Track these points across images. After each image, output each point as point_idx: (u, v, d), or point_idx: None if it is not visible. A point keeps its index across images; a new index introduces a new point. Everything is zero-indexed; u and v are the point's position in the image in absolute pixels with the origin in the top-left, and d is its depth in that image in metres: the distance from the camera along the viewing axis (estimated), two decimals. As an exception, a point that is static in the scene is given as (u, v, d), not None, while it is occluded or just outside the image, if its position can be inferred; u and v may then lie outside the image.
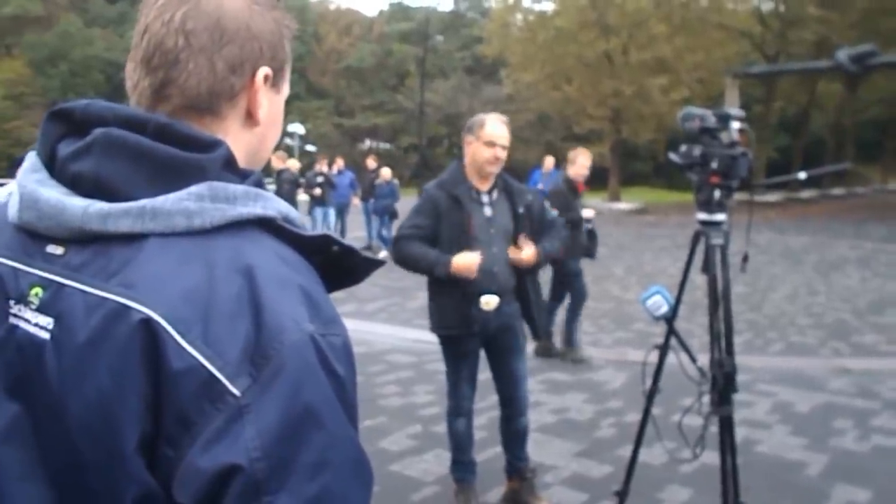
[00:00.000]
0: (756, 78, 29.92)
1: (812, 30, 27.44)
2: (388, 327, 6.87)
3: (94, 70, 38.23)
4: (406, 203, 12.31)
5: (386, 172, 13.14)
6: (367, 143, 42.40)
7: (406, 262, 3.10)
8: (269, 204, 0.73)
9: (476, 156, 3.09)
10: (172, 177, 0.70)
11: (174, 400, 0.62)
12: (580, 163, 5.95)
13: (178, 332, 0.63)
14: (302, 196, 12.56)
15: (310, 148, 28.40)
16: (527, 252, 3.09)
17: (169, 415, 0.62)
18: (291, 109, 31.75)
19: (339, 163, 13.86)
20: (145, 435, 0.63)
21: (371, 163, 13.86)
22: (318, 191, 12.49)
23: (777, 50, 29.87)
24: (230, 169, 0.74)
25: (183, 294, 0.64)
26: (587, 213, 5.95)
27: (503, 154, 3.08)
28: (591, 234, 6.09)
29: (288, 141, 27.54)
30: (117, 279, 0.66)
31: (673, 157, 2.30)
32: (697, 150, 2.23)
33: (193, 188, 0.69)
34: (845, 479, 3.59)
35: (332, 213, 12.88)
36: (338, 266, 0.78)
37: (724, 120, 2.23)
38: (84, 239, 0.69)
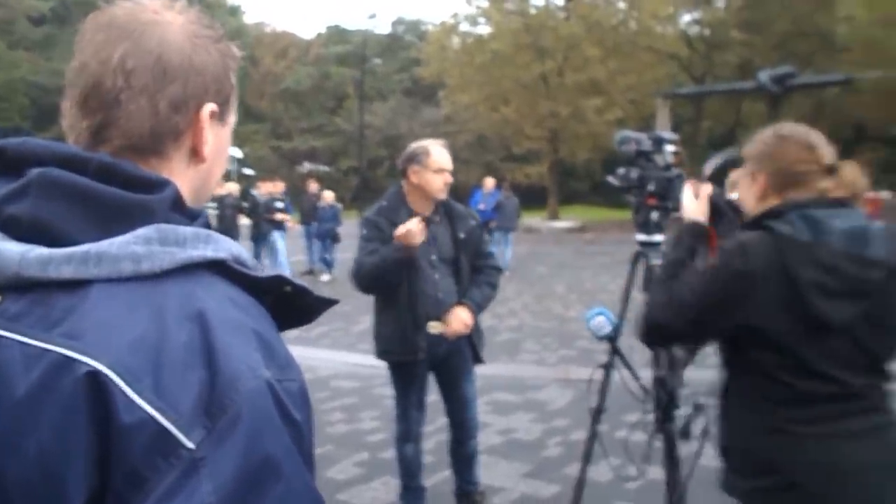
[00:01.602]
0: (685, 98, 31.03)
1: (735, 52, 28.75)
2: (331, 353, 6.79)
3: (20, 94, 36.80)
4: (348, 226, 12.26)
5: (328, 196, 13.05)
6: (306, 166, 42.01)
7: (369, 276, 3.04)
8: (220, 245, 0.70)
9: (428, 185, 3.08)
10: (118, 219, 0.66)
11: (124, 456, 0.59)
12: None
13: (127, 384, 0.59)
14: (244, 220, 12.33)
15: (247, 171, 27.97)
16: (456, 321, 3.02)
17: (118, 471, 0.59)
18: (228, 133, 31.07)
19: (268, 186, 13.51)
20: (93, 494, 0.59)
21: (313, 186, 13.75)
22: (279, 215, 12.26)
23: (704, 72, 31.11)
24: (178, 210, 0.71)
25: (131, 343, 0.61)
26: None
27: (451, 179, 3.13)
28: None
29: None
30: (60, 329, 0.62)
31: (611, 179, 2.36)
32: (634, 173, 2.29)
33: (141, 231, 0.66)
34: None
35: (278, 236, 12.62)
36: (290, 306, 0.76)
37: (659, 143, 2.30)
38: (21, 286, 0.64)
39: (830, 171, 1.64)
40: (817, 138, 1.68)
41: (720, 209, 1.78)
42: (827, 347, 1.57)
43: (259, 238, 12.15)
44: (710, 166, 1.84)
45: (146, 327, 0.62)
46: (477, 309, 3.11)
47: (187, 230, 0.69)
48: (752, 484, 1.67)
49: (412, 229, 2.89)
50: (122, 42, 0.72)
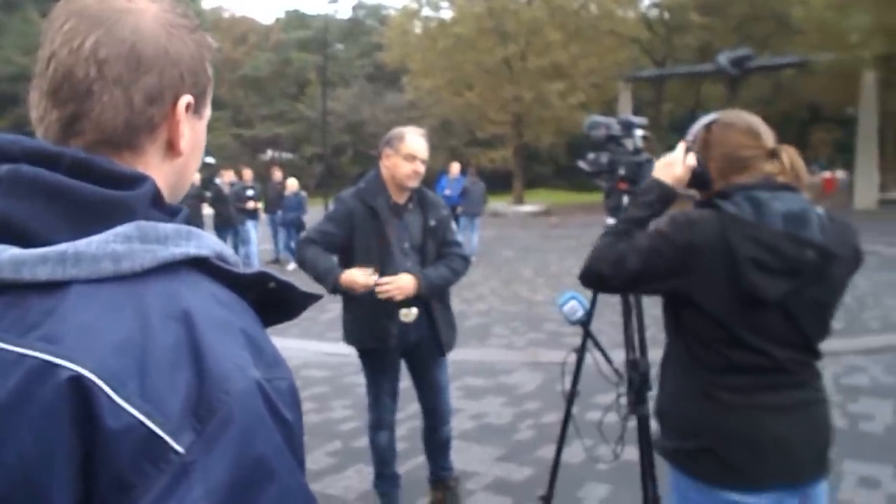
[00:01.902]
0: (646, 81, 31.37)
1: (695, 35, 29.11)
2: (301, 342, 6.73)
3: (-32, 83, 35.67)
4: (314, 214, 12.13)
5: (292, 183, 12.88)
6: (269, 153, 41.52)
7: (304, 265, 3.04)
8: (203, 242, 0.68)
9: (396, 170, 3.04)
10: (95, 217, 0.64)
11: (110, 462, 0.56)
12: None
13: (112, 389, 0.57)
14: (207, 210, 12.12)
15: (209, 160, 27.50)
16: (391, 282, 2.93)
17: (104, 479, 0.56)
18: (187, 120, 30.46)
19: (230, 174, 13.31)
20: (78, 503, 0.57)
21: (277, 174, 13.57)
22: (250, 203, 12.03)
23: (664, 55, 31.45)
24: (158, 206, 0.69)
25: (115, 346, 0.58)
26: None
27: (422, 168, 3.06)
28: None
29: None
30: (37, 333, 0.59)
31: (582, 164, 2.36)
32: (605, 158, 2.30)
33: (120, 229, 0.63)
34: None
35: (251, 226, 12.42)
36: (273, 301, 0.74)
37: (628, 128, 2.31)
38: None
39: (773, 154, 1.72)
40: (759, 124, 1.76)
41: (705, 179, 1.79)
42: (759, 321, 1.65)
43: (223, 227, 11.96)
44: (693, 132, 1.83)
45: (130, 328, 0.60)
46: (426, 283, 2.98)
47: (168, 227, 0.67)
48: (676, 444, 1.76)
49: (358, 282, 2.88)
50: (95, 30, 0.69)
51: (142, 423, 0.57)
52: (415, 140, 3.05)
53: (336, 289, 2.95)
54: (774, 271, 1.61)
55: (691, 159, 1.79)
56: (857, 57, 19.76)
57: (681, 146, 1.84)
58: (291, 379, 0.67)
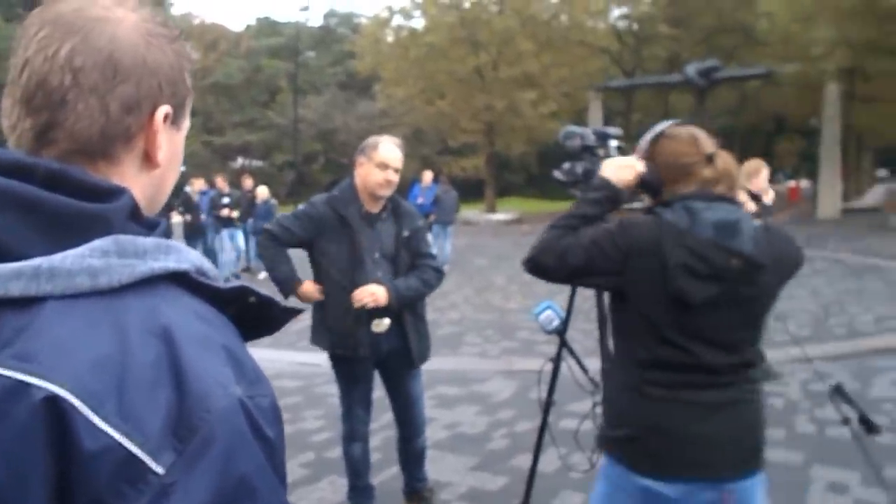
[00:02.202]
0: (616, 91, 31.73)
1: (663, 46, 29.57)
2: (273, 351, 6.65)
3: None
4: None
5: (263, 192, 12.74)
6: (240, 161, 41.14)
7: (263, 258, 3.14)
8: (182, 256, 0.67)
9: (367, 178, 3.02)
10: (71, 231, 0.62)
11: (87, 484, 0.54)
12: (763, 176, 5.60)
13: (90, 408, 0.55)
14: (176, 218, 11.94)
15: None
16: (362, 290, 2.93)
17: (81, 500, 0.55)
18: (156, 127, 30.06)
19: (200, 182, 13.13)
20: None
21: (248, 182, 13.43)
22: (225, 211, 11.86)
23: (634, 65, 31.88)
24: (136, 219, 0.67)
25: (92, 363, 0.57)
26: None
27: (395, 177, 3.04)
28: None
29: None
30: (10, 351, 0.57)
31: (557, 174, 2.36)
32: (580, 168, 2.30)
33: (97, 243, 0.62)
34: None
35: (239, 235, 12.23)
36: (253, 316, 0.73)
37: (603, 138, 2.32)
38: None
39: (710, 159, 1.83)
40: (700, 134, 1.88)
41: (654, 187, 1.89)
42: (687, 323, 1.77)
43: (192, 236, 11.79)
44: (645, 141, 1.94)
45: (107, 345, 0.58)
46: (395, 294, 2.96)
47: (147, 241, 0.65)
48: (607, 433, 1.90)
49: (313, 296, 3.05)
50: (70, 38, 0.67)
51: (120, 444, 0.55)
52: (388, 149, 3.04)
53: (289, 295, 3.07)
54: (701, 276, 1.72)
55: (640, 166, 1.90)
56: (820, 69, 20.22)
57: (634, 156, 1.96)
58: (273, 395, 0.66)
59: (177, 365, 0.59)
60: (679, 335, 1.77)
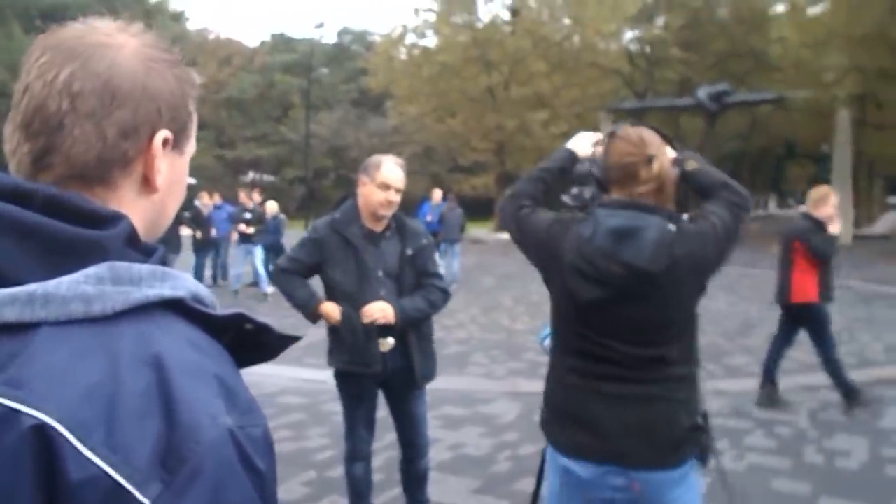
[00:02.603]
0: (627, 113, 31.81)
1: (675, 69, 29.61)
2: (278, 368, 6.62)
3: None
4: (294, 237, 12.03)
5: (271, 207, 12.80)
6: (251, 175, 41.37)
7: (280, 290, 3.19)
8: (178, 283, 0.66)
9: (369, 198, 3.03)
10: (66, 257, 0.62)
11: None
12: (831, 203, 5.55)
13: (78, 438, 0.55)
14: (185, 231, 12.00)
15: (190, 180, 27.37)
16: (370, 307, 2.95)
17: None
18: (169, 140, 30.40)
19: (217, 197, 13.26)
20: None
21: (256, 196, 13.52)
22: (242, 226, 11.86)
23: (645, 87, 31.93)
24: (133, 246, 0.67)
25: (82, 393, 0.56)
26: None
27: (397, 198, 3.04)
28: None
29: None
30: (3, 377, 0.56)
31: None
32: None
33: (92, 270, 0.62)
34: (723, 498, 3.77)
35: (257, 251, 12.23)
36: (250, 343, 0.72)
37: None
38: None
39: (650, 160, 1.91)
40: (648, 135, 1.96)
41: (600, 182, 2.01)
42: (588, 318, 1.93)
43: (202, 249, 11.83)
44: (601, 138, 2.07)
45: (99, 374, 0.58)
46: (401, 313, 2.97)
47: (143, 268, 0.65)
48: (541, 415, 2.10)
49: (334, 316, 3.03)
50: (70, 64, 0.68)
51: (107, 475, 0.55)
52: (391, 169, 3.04)
53: (314, 317, 3.06)
54: (588, 279, 1.88)
55: (597, 149, 2.04)
56: (831, 95, 20.22)
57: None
58: (265, 425, 0.66)
59: (167, 394, 0.59)
60: (587, 329, 1.93)
